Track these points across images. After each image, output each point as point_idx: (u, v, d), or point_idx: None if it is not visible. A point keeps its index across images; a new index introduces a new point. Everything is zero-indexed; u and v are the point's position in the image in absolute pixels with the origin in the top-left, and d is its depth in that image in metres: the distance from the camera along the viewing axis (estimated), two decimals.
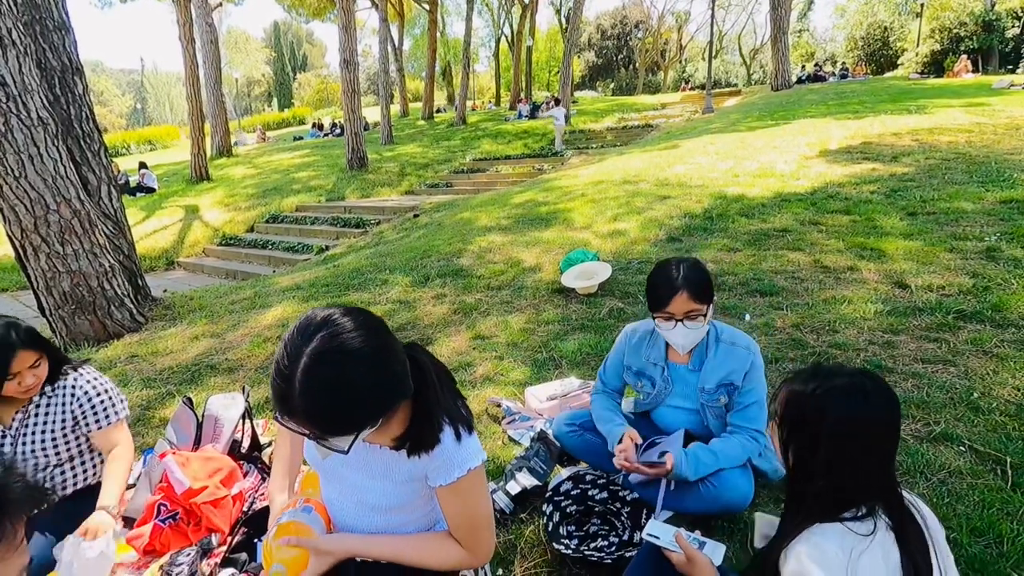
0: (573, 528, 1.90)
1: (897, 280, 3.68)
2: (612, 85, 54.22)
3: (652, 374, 2.03)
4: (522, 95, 30.69)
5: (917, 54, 24.27)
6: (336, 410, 1.03)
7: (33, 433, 1.91)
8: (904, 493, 1.14)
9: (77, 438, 1.99)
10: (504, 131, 19.50)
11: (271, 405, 1.06)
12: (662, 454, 1.82)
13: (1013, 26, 22.72)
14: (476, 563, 1.33)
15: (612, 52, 56.21)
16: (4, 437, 1.89)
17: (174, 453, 2.10)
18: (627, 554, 1.67)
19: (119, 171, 14.20)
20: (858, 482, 1.10)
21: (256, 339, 3.97)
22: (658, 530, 1.42)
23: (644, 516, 1.83)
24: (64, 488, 1.98)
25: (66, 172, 4.16)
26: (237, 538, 1.78)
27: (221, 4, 21.99)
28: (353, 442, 1.08)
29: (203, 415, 2.39)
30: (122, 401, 2.08)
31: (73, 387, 1.97)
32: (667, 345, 1.99)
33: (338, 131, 24.89)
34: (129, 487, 2.28)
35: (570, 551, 1.73)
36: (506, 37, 37.93)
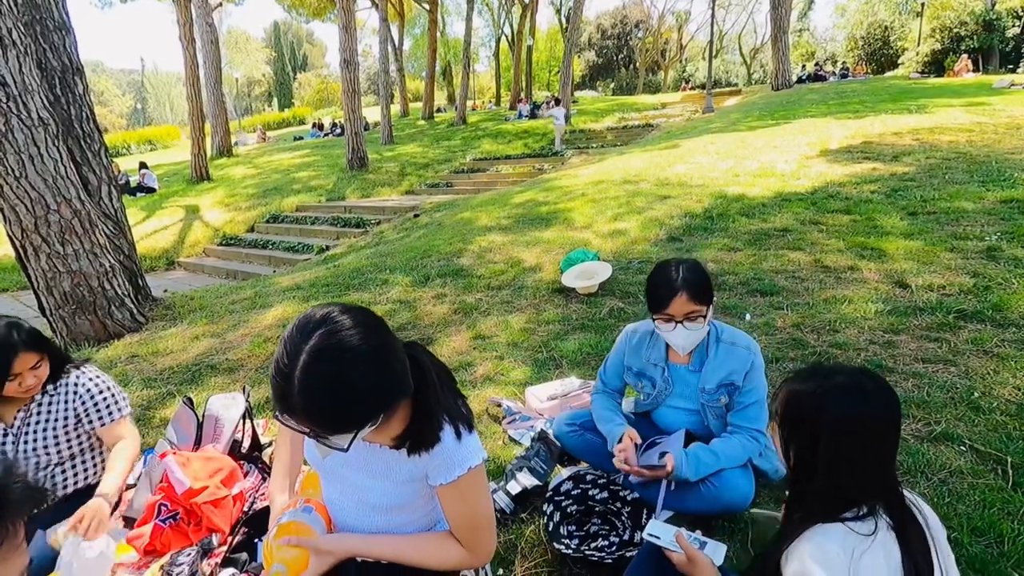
0: (574, 528, 1.90)
1: (898, 280, 3.67)
2: (612, 85, 54.20)
3: (652, 375, 2.03)
4: (522, 95, 30.68)
5: (917, 53, 24.25)
6: (335, 408, 1.03)
7: (35, 432, 1.92)
8: (905, 493, 1.14)
9: (79, 436, 2.00)
10: (504, 131, 19.49)
11: (271, 405, 1.06)
12: (662, 455, 1.82)
13: (1014, 25, 22.69)
14: (477, 563, 1.33)
15: (612, 52, 56.20)
16: (6, 436, 1.89)
17: (175, 453, 2.10)
18: (628, 554, 1.67)
19: (119, 171, 14.21)
20: (857, 481, 1.10)
21: (256, 339, 3.97)
22: (659, 530, 1.42)
23: (645, 516, 1.83)
24: (65, 487, 1.98)
25: (66, 172, 4.16)
26: (238, 538, 1.78)
27: (221, 4, 21.99)
28: (353, 440, 1.08)
29: (203, 415, 2.39)
30: (124, 398, 2.09)
31: (75, 385, 1.98)
32: (667, 346, 1.99)
33: (338, 131, 24.90)
34: (129, 487, 2.28)
35: (571, 551, 1.73)
36: (506, 37, 37.93)
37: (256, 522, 1.80)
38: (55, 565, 1.64)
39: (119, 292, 4.50)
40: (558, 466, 2.23)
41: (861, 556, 1.03)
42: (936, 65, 22.85)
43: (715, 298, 2.20)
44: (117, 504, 2.17)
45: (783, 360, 2.91)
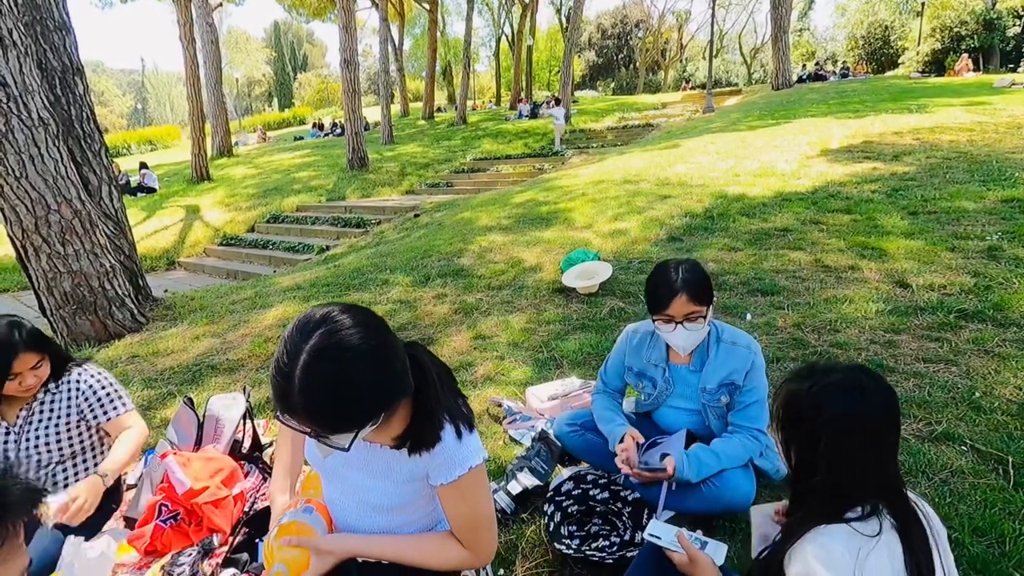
0: (574, 528, 1.90)
1: (898, 279, 3.67)
2: (612, 84, 54.19)
3: (653, 375, 2.03)
4: (522, 95, 30.68)
5: (918, 53, 24.26)
6: (336, 407, 1.03)
7: (37, 430, 1.92)
8: (908, 493, 1.14)
9: (80, 434, 2.00)
10: (504, 131, 19.49)
11: (272, 405, 1.06)
12: (663, 456, 1.82)
13: (1014, 25, 22.68)
14: (478, 563, 1.32)
15: (612, 51, 56.17)
16: (8, 434, 1.89)
17: (175, 453, 2.10)
18: (628, 554, 1.67)
19: (120, 171, 14.21)
20: (858, 480, 1.09)
21: (257, 339, 3.97)
22: (659, 530, 1.42)
23: (645, 516, 1.83)
24: (66, 485, 1.98)
25: (67, 172, 4.17)
26: (238, 538, 1.77)
27: (221, 4, 21.99)
28: (353, 440, 1.08)
29: (204, 415, 2.39)
30: (127, 394, 2.10)
31: (78, 382, 1.99)
32: (668, 346, 1.99)
33: (338, 131, 24.90)
34: (130, 487, 2.29)
35: (571, 551, 1.73)
36: (506, 36, 37.92)
37: (257, 522, 1.80)
38: (56, 565, 1.64)
39: (119, 292, 4.51)
40: (559, 466, 2.23)
41: (867, 557, 1.03)
42: (937, 64, 22.86)
43: (715, 298, 2.21)
44: (118, 505, 2.17)
45: (784, 360, 2.90)
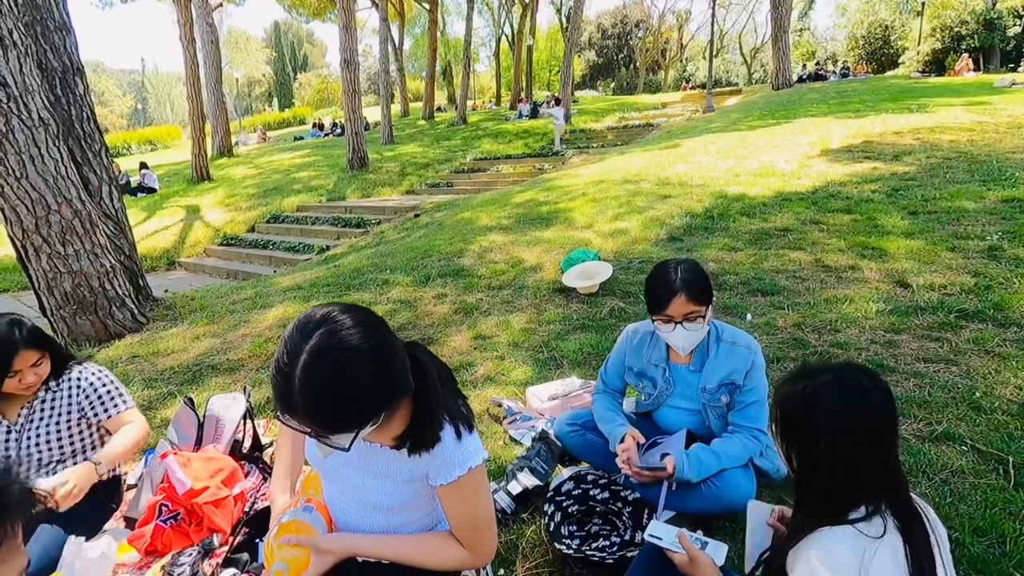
0: (575, 528, 1.90)
1: (899, 279, 3.67)
2: (613, 84, 54.17)
3: (653, 375, 2.03)
4: (523, 94, 30.68)
5: (918, 53, 24.25)
6: (336, 407, 1.03)
7: (38, 428, 1.93)
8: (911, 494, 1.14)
9: (81, 432, 2.01)
10: (505, 131, 19.49)
11: (272, 405, 1.06)
12: (663, 456, 1.82)
13: (1015, 24, 22.67)
14: (478, 563, 1.32)
15: (613, 51, 56.15)
16: (9, 433, 1.90)
17: (175, 453, 2.10)
18: (629, 554, 1.67)
19: (120, 171, 14.21)
20: (856, 479, 1.09)
21: (257, 339, 3.97)
22: (660, 531, 1.42)
23: (646, 516, 1.82)
24: None
25: (67, 172, 4.17)
26: (239, 538, 1.78)
27: (221, 4, 21.98)
28: (354, 440, 1.08)
29: (204, 415, 2.39)
30: (127, 393, 2.10)
31: (78, 380, 2.00)
32: (668, 346, 1.99)
33: (339, 131, 24.90)
34: (131, 487, 2.29)
35: (572, 551, 1.73)
36: (506, 36, 37.91)
37: (257, 522, 1.80)
38: (57, 566, 1.64)
39: (120, 292, 4.51)
40: (559, 466, 2.23)
41: (871, 559, 1.02)
42: (937, 64, 22.86)
43: (716, 298, 2.20)
44: (118, 505, 2.17)
45: (784, 360, 2.90)
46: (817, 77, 22.29)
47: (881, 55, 30.72)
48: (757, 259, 4.31)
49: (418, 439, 1.22)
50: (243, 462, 2.27)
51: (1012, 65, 21.90)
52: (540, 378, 3.00)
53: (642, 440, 1.94)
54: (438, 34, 30.37)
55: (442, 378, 1.27)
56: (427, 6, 27.99)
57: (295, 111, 45.72)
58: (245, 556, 1.73)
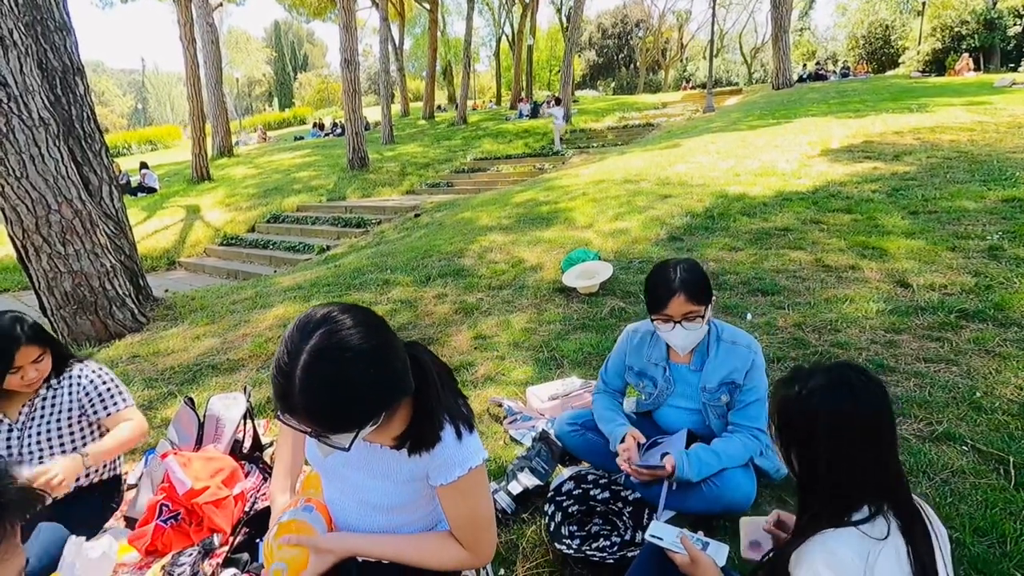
0: (575, 528, 1.90)
1: (899, 279, 3.67)
2: (613, 84, 54.16)
3: (654, 374, 2.03)
4: (523, 94, 30.67)
5: (918, 52, 24.24)
6: (336, 407, 1.03)
7: (39, 426, 1.93)
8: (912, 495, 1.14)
9: (82, 429, 2.01)
10: (505, 130, 19.48)
11: (272, 405, 1.06)
12: (663, 455, 1.82)
13: (1015, 24, 22.66)
14: (478, 563, 1.32)
15: (613, 51, 56.14)
16: (11, 431, 1.90)
17: (176, 453, 2.10)
18: (629, 554, 1.67)
19: (120, 171, 14.21)
20: (855, 478, 1.09)
21: (257, 339, 3.97)
22: (661, 531, 1.42)
23: (646, 516, 1.82)
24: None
25: (67, 172, 4.17)
26: (239, 538, 1.77)
27: (222, 4, 21.98)
28: (354, 439, 1.08)
29: (204, 415, 2.39)
30: (126, 391, 2.10)
31: (79, 377, 2.01)
32: (668, 345, 1.99)
33: (339, 131, 24.90)
34: (131, 487, 2.29)
35: (572, 551, 1.73)
36: (507, 36, 37.90)
37: (257, 522, 1.80)
38: (57, 566, 1.64)
39: (120, 292, 4.51)
40: (559, 466, 2.22)
41: (876, 560, 1.02)
42: (937, 64, 22.85)
43: (716, 298, 2.20)
44: (118, 505, 2.18)
45: (785, 360, 2.90)
46: (817, 77, 22.30)
47: (881, 55, 30.72)
48: (757, 259, 4.30)
49: (418, 439, 1.22)
50: (243, 462, 2.27)
51: (1012, 65, 21.89)
52: (540, 378, 3.00)
53: (642, 440, 1.94)
54: (438, 34, 30.36)
55: (442, 378, 1.27)
56: (427, 6, 27.99)
57: (295, 111, 45.73)
58: (245, 556, 1.73)
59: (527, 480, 2.06)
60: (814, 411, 1.11)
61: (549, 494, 1.92)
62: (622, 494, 1.91)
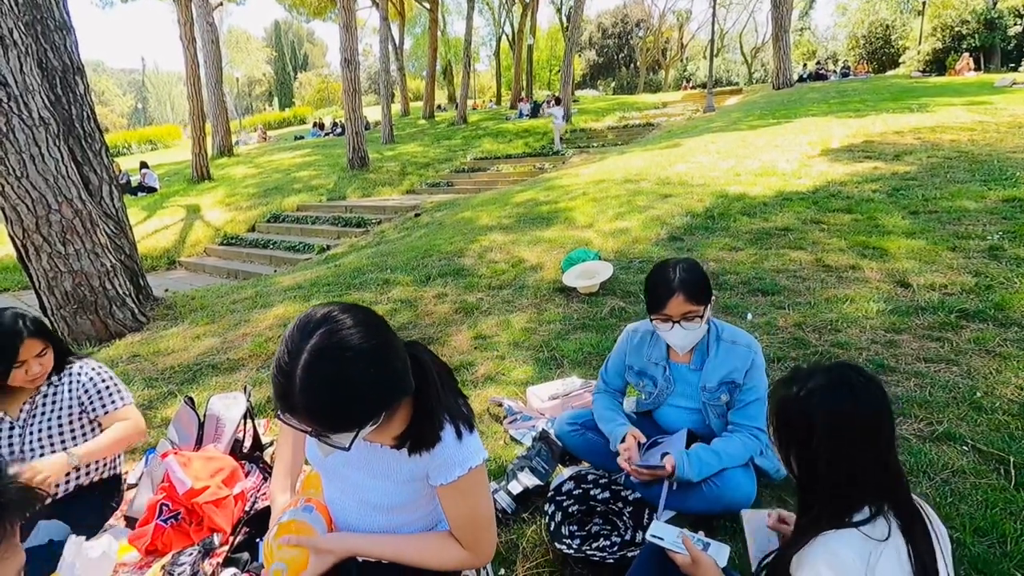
0: (575, 528, 1.90)
1: (899, 279, 3.67)
2: (613, 84, 54.14)
3: (654, 373, 2.03)
4: (523, 94, 30.67)
5: (919, 52, 24.23)
6: (336, 406, 1.03)
7: (40, 423, 1.94)
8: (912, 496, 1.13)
9: (83, 426, 2.01)
10: (505, 130, 19.48)
11: (272, 404, 1.06)
12: (664, 455, 1.82)
13: (1015, 24, 22.66)
14: (478, 563, 1.32)
15: (613, 51, 56.13)
16: (12, 429, 1.90)
17: (176, 453, 2.10)
18: (629, 554, 1.67)
19: (120, 171, 14.21)
20: (855, 478, 1.09)
21: (257, 339, 3.97)
22: (661, 531, 1.42)
23: (646, 516, 1.82)
24: (67, 482, 1.98)
25: (67, 172, 4.17)
26: (239, 538, 1.77)
27: (222, 3, 21.98)
28: (354, 439, 1.08)
29: (205, 415, 2.39)
30: (126, 389, 2.11)
31: (79, 375, 2.02)
32: (668, 344, 1.99)
33: (339, 130, 24.90)
34: (131, 487, 2.29)
35: (572, 551, 1.73)
36: (507, 36, 37.90)
37: (257, 522, 1.80)
38: (56, 566, 1.64)
39: (120, 292, 4.51)
40: (559, 466, 2.22)
41: (877, 561, 1.02)
42: (937, 64, 22.84)
43: (716, 297, 2.20)
44: (118, 504, 2.17)
45: (785, 360, 2.90)
46: (818, 76, 22.30)
47: (882, 54, 30.71)
48: (758, 259, 4.30)
49: (418, 439, 1.22)
50: (243, 462, 2.26)
51: (1013, 64, 21.88)
52: (540, 378, 3.00)
53: (643, 439, 1.94)
54: (438, 33, 30.36)
55: (442, 378, 1.27)
56: (427, 5, 27.99)
57: (295, 110, 45.73)
58: (245, 555, 1.73)
59: (527, 480, 2.06)
60: (813, 411, 1.11)
61: (549, 494, 1.92)
62: (622, 494, 1.91)
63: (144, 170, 15.56)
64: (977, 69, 19.99)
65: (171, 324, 4.64)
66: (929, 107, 9.72)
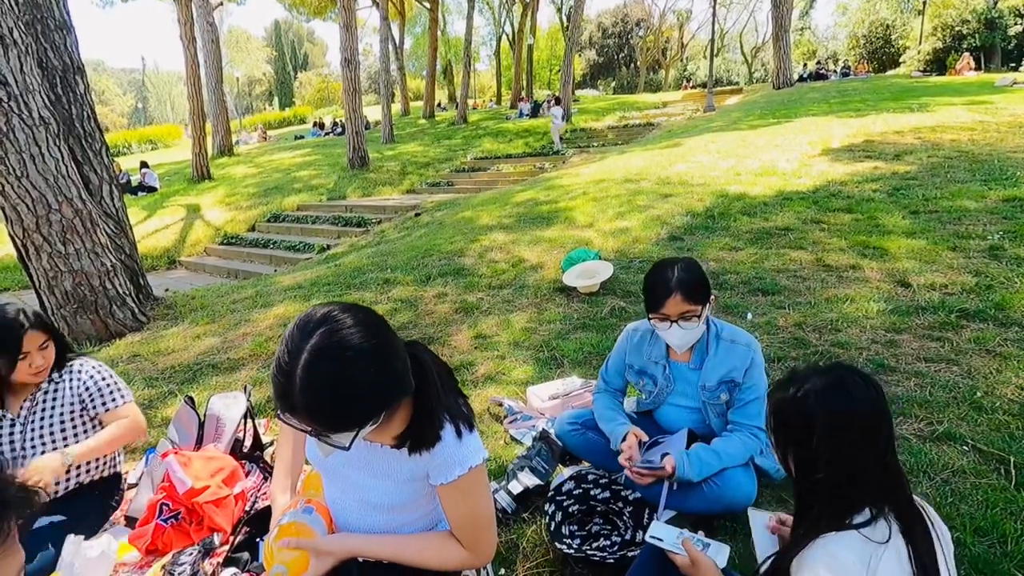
0: (575, 528, 1.90)
1: (900, 279, 3.67)
2: (613, 83, 54.13)
3: (654, 372, 2.04)
4: (523, 94, 30.66)
5: (919, 52, 24.22)
6: (336, 406, 1.03)
7: (41, 420, 1.94)
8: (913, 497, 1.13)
9: (84, 423, 2.02)
10: (505, 130, 19.48)
11: (273, 404, 1.06)
12: (664, 455, 1.82)
13: (1015, 24, 22.64)
14: (478, 563, 1.32)
15: (613, 50, 56.12)
16: (13, 426, 1.91)
17: (176, 453, 2.10)
18: (629, 554, 1.67)
19: (120, 170, 14.21)
20: (854, 478, 1.09)
21: (258, 338, 3.97)
22: (661, 532, 1.41)
23: (646, 515, 1.82)
24: (67, 480, 1.98)
25: (68, 171, 4.16)
26: (239, 537, 1.77)
27: (222, 3, 21.98)
28: (354, 439, 1.08)
29: (205, 414, 2.39)
30: (126, 388, 2.11)
31: (79, 372, 2.02)
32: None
33: (339, 130, 24.90)
34: (131, 487, 2.29)
35: (572, 551, 1.73)
36: (507, 35, 37.90)
37: (258, 522, 1.80)
38: (56, 565, 1.64)
39: (120, 291, 4.51)
40: (560, 466, 2.22)
41: (878, 564, 1.01)
42: (938, 63, 22.83)
43: (716, 297, 2.20)
44: (118, 504, 2.18)
45: (785, 359, 2.90)
46: (818, 76, 22.28)
47: (882, 54, 30.69)
48: (758, 258, 4.30)
49: (418, 438, 1.22)
50: (244, 461, 2.27)
51: (1013, 64, 21.86)
52: (541, 377, 3.00)
53: (645, 438, 1.94)
54: (439, 33, 30.35)
55: (442, 377, 1.27)
56: (428, 5, 27.98)
57: (295, 110, 45.72)
58: (246, 555, 1.73)
59: (527, 480, 2.06)
60: (812, 411, 1.11)
61: (549, 494, 1.92)
62: (622, 494, 1.91)
63: (144, 170, 15.56)
64: (977, 69, 19.97)
65: (171, 324, 4.64)
66: (929, 107, 9.71)
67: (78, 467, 2.01)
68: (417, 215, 9.27)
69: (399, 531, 1.33)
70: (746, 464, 1.86)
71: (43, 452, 1.92)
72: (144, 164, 16.16)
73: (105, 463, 2.12)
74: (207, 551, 1.85)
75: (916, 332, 3.03)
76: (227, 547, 1.80)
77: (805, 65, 28.33)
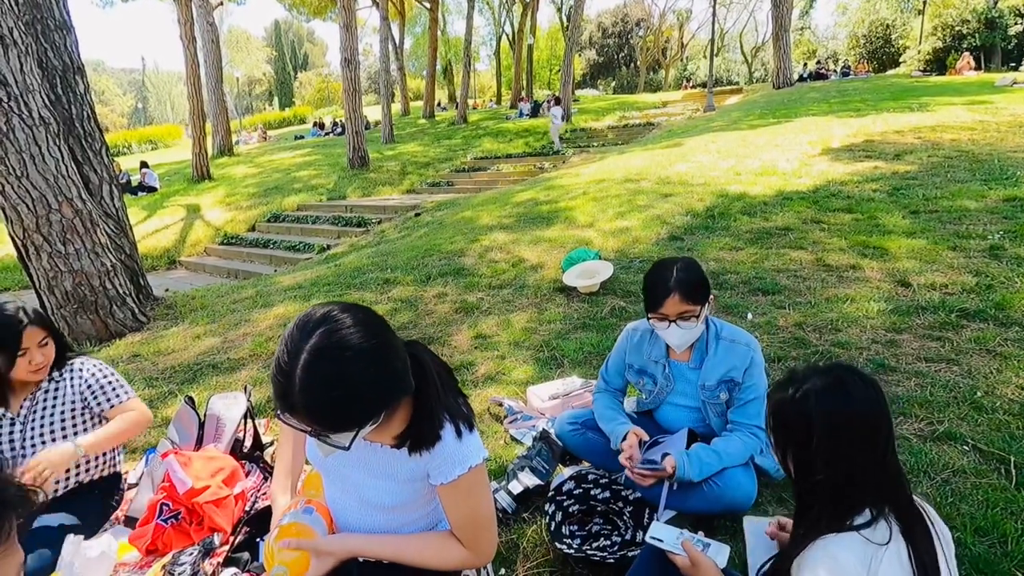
0: (576, 528, 1.90)
1: (900, 279, 3.66)
2: (613, 83, 54.14)
3: (654, 372, 2.04)
4: (523, 93, 30.66)
5: (919, 52, 24.21)
6: (336, 406, 1.03)
7: (41, 418, 1.94)
8: (914, 497, 1.13)
9: (85, 422, 2.02)
10: (505, 130, 19.48)
11: (273, 404, 1.06)
12: (664, 455, 1.82)
13: (1016, 23, 22.64)
14: (478, 563, 1.32)
15: (613, 50, 56.12)
16: (13, 425, 1.91)
17: (176, 453, 2.10)
18: (630, 554, 1.67)
19: (120, 170, 14.21)
20: (854, 479, 1.08)
21: (258, 338, 3.97)
22: (661, 532, 1.41)
23: (647, 515, 1.82)
24: (67, 479, 1.98)
25: (68, 171, 4.17)
26: (239, 537, 1.77)
27: (222, 3, 21.97)
28: (354, 439, 1.08)
29: (205, 415, 2.39)
30: (128, 385, 2.11)
31: (80, 370, 2.02)
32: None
33: (339, 130, 24.90)
34: (131, 487, 2.29)
35: (573, 551, 1.73)
36: (507, 35, 37.91)
37: (258, 522, 1.80)
38: (56, 565, 1.64)
39: (120, 291, 4.51)
40: (560, 465, 2.22)
41: (879, 566, 1.01)
42: (938, 63, 22.81)
43: (716, 297, 2.20)
44: (118, 504, 2.17)
45: (785, 359, 2.90)
46: (818, 76, 22.28)
47: (882, 54, 30.69)
48: (758, 258, 4.30)
49: (418, 438, 1.22)
50: (244, 461, 2.27)
51: (1013, 64, 21.85)
52: (541, 377, 3.00)
53: (646, 437, 1.94)
54: (439, 33, 30.36)
55: (442, 377, 1.27)
56: (428, 5, 27.98)
57: (295, 110, 45.74)
58: (246, 555, 1.73)
59: (528, 479, 2.06)
60: (811, 412, 1.11)
61: (550, 494, 1.92)
62: (623, 494, 1.91)
63: (144, 169, 15.57)
64: (977, 68, 19.97)
65: (171, 324, 4.64)
66: (929, 106, 9.71)
67: (78, 465, 2.01)
68: (417, 215, 9.27)
69: (399, 531, 1.33)
70: (746, 464, 1.86)
71: (44, 450, 1.92)
72: (144, 164, 16.16)
73: (105, 462, 2.12)
74: (207, 551, 1.85)
75: (916, 332, 3.03)
76: (227, 547, 1.80)
77: (805, 65, 28.32)
